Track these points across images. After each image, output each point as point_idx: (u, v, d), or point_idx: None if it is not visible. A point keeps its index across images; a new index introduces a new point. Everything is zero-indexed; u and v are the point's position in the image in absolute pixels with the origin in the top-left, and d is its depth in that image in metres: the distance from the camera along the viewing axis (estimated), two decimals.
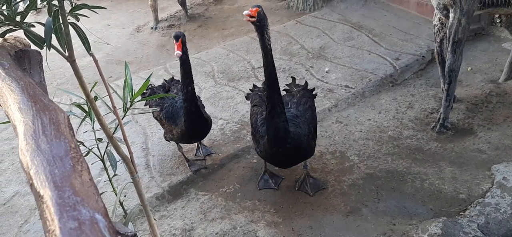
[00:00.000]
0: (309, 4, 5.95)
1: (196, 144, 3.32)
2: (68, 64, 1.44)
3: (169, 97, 3.07)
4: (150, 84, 3.38)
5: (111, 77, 5.00)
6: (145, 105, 3.33)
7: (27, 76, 1.25)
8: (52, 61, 4.94)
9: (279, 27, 5.40)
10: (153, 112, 3.18)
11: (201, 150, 3.27)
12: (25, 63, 1.46)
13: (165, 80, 3.39)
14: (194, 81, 4.37)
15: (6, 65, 1.20)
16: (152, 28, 6.33)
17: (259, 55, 4.77)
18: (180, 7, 6.48)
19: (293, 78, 3.27)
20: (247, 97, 3.26)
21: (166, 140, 3.25)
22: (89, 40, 1.55)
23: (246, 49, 4.91)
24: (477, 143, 3.20)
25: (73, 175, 0.72)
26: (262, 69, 4.54)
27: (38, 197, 0.70)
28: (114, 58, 5.58)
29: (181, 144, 3.24)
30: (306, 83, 3.18)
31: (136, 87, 1.57)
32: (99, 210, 0.67)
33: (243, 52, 4.87)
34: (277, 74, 4.30)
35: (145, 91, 3.35)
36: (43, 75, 1.49)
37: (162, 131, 3.65)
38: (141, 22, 6.66)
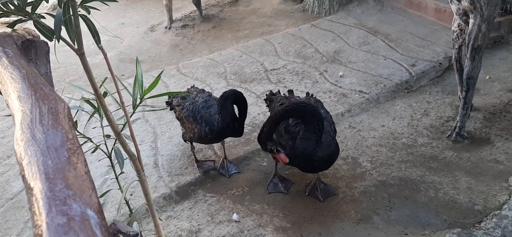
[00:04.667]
0: (324, 8, 5.88)
1: (221, 159, 3.23)
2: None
3: (189, 97, 3.07)
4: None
5: (123, 75, 4.99)
6: (171, 110, 3.30)
7: (31, 66, 1.21)
8: (65, 57, 4.94)
9: (294, 30, 5.34)
10: (175, 112, 3.17)
11: (227, 167, 3.19)
12: (31, 53, 1.42)
13: (187, 89, 3.40)
14: (206, 82, 4.38)
15: (10, 54, 1.17)
16: (166, 27, 6.31)
17: (273, 57, 4.75)
18: (194, 8, 6.46)
19: (291, 91, 3.16)
20: (266, 100, 3.17)
21: (184, 141, 3.20)
22: (103, 38, 1.51)
23: (260, 51, 4.86)
24: (494, 153, 3.10)
25: (67, 167, 0.67)
26: (275, 71, 4.53)
27: (29, 189, 0.65)
28: (127, 57, 5.57)
29: (194, 144, 3.20)
30: (308, 94, 3.13)
31: (147, 86, 1.53)
32: (92, 205, 0.62)
33: (256, 54, 4.82)
34: (290, 77, 4.29)
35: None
36: (50, 67, 1.46)
37: (172, 130, 3.62)
38: (156, 22, 6.65)
